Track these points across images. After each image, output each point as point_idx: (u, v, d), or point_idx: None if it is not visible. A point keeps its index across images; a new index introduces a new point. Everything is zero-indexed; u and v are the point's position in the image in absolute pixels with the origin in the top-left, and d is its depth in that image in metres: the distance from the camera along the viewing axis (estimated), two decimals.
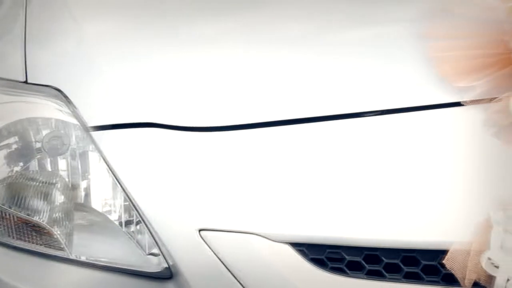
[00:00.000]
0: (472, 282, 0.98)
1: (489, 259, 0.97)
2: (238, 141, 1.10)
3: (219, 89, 1.17)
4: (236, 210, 1.07)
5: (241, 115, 1.13)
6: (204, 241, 1.07)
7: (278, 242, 1.05)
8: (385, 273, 1.04)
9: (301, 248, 1.05)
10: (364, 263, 1.04)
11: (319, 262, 1.05)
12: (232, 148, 1.10)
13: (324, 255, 1.05)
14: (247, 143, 1.10)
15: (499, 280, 0.96)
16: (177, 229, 1.09)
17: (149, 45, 1.24)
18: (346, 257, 1.05)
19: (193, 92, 1.17)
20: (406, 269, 1.03)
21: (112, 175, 1.14)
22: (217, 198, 1.08)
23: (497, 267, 0.96)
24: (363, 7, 1.26)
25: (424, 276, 1.03)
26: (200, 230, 1.07)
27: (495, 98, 1.04)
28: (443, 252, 1.00)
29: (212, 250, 1.07)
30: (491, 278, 0.97)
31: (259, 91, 1.15)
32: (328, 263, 1.05)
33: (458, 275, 0.99)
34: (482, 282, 0.98)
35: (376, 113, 1.11)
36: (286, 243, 1.05)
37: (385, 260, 1.04)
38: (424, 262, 1.03)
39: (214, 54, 1.21)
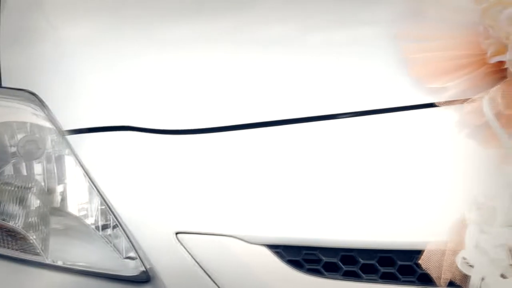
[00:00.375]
0: (448, 281, 0.99)
1: (464, 258, 0.97)
2: (213, 143, 1.10)
3: (194, 92, 1.17)
4: (213, 213, 1.07)
5: (215, 117, 1.13)
6: (181, 244, 1.07)
7: (255, 244, 1.05)
8: (361, 274, 1.04)
9: (278, 250, 1.06)
10: (340, 264, 1.05)
11: (295, 264, 1.05)
12: (207, 151, 1.10)
13: (301, 257, 1.05)
14: (222, 146, 1.10)
15: (474, 279, 0.97)
16: (154, 232, 1.09)
17: (124, 48, 1.24)
18: (323, 258, 1.05)
19: (168, 95, 1.17)
20: (382, 269, 1.04)
21: (88, 179, 1.14)
22: (193, 201, 1.08)
23: (471, 266, 0.97)
24: (341, 9, 1.26)
25: (400, 276, 1.03)
26: (177, 233, 1.07)
27: (469, 99, 1.05)
28: (419, 252, 1.00)
29: (189, 253, 1.07)
30: (466, 278, 0.98)
31: (235, 93, 1.15)
32: (305, 264, 1.05)
33: (433, 274, 0.99)
34: (457, 282, 0.99)
35: (352, 114, 1.11)
36: (263, 245, 1.05)
37: (362, 261, 1.04)
38: (400, 263, 1.03)
39: (189, 56, 1.21)
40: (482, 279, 0.97)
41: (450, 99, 1.07)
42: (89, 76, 1.22)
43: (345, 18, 1.24)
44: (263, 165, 1.08)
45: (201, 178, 1.08)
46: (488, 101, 1.02)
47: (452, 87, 1.08)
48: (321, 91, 1.15)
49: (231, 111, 1.13)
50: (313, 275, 1.05)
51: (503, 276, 0.97)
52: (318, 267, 1.05)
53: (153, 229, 1.09)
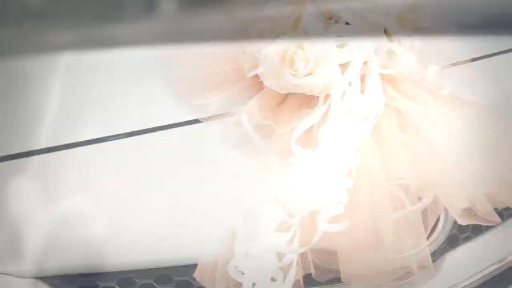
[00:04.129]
0: None
1: (236, 267, 1.00)
2: None
3: None
4: None
5: None
6: None
7: (28, 278, 1.02)
8: None
9: (53, 281, 1.03)
10: (117, 287, 1.04)
11: None
12: None
13: (78, 285, 1.04)
14: None
15: (246, 286, 1.00)
16: None
17: None
18: (100, 284, 1.04)
19: None
20: (159, 287, 1.05)
21: None
22: None
23: (243, 273, 1.00)
24: (101, 29, 1.26)
25: None
26: None
27: (229, 112, 1.09)
28: (195, 266, 1.02)
29: None
30: (239, 285, 1.01)
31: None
32: None
33: (208, 286, 1.02)
34: None
35: (121, 136, 1.11)
36: (37, 278, 1.03)
37: (139, 281, 1.04)
38: (177, 279, 1.05)
39: None
40: (254, 284, 1.00)
41: (213, 114, 1.10)
42: None
43: (107, 40, 1.24)
44: (27, 195, 1.05)
45: None
46: (246, 113, 1.06)
47: (214, 102, 1.11)
48: (93, 115, 1.14)
49: None
50: None
51: (272, 279, 1.01)
52: None
53: None
